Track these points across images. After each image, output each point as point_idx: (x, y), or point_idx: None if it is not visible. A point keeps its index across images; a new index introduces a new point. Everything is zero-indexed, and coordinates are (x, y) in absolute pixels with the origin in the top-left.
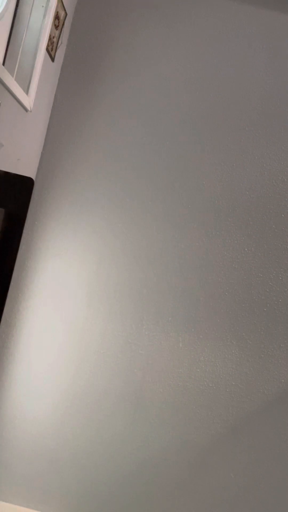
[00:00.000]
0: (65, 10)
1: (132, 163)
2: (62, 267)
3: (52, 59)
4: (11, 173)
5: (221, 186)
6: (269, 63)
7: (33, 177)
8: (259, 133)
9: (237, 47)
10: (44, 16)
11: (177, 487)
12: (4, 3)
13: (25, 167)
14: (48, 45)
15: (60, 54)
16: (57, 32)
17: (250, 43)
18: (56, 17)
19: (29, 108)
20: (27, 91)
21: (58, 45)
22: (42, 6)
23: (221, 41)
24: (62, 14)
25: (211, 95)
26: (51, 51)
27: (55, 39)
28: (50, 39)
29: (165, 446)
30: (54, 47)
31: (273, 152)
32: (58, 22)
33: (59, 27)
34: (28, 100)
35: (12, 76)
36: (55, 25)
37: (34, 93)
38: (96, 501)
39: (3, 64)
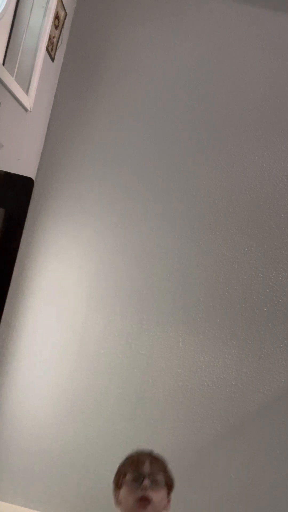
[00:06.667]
0: (65, 10)
1: (132, 163)
2: (62, 267)
3: (52, 59)
4: (11, 173)
5: (221, 186)
6: (270, 63)
7: (33, 177)
8: (259, 133)
9: (237, 47)
10: (44, 16)
11: (177, 487)
12: (4, 3)
13: (25, 167)
14: (48, 45)
15: (60, 54)
16: (57, 32)
17: (250, 43)
18: (56, 17)
19: (29, 108)
20: (27, 91)
21: (58, 45)
22: (42, 6)
23: (222, 41)
24: (62, 14)
25: (211, 95)
26: (51, 51)
27: (55, 39)
28: (50, 39)
29: (165, 445)
30: (54, 47)
31: (273, 152)
32: (58, 22)
33: (59, 27)
34: (28, 100)
35: (12, 76)
36: (55, 25)
37: (34, 93)
38: (96, 500)
39: (3, 64)
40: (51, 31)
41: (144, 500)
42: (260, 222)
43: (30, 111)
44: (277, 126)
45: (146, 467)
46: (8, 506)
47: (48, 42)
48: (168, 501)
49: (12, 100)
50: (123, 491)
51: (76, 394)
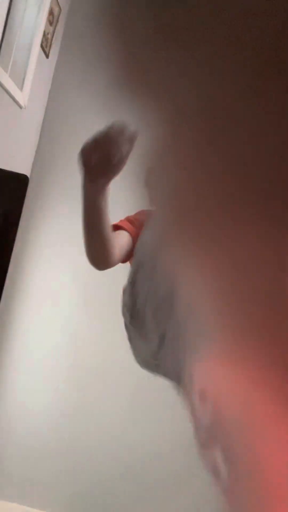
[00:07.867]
0: (59, 6)
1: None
2: (58, 266)
3: (47, 56)
4: (5, 170)
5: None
6: None
7: (28, 174)
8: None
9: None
10: (38, 12)
11: (176, 486)
12: None
13: (20, 164)
14: (42, 42)
15: (54, 50)
16: (51, 29)
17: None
18: (50, 13)
19: (23, 105)
20: (21, 87)
21: (53, 41)
22: (36, 3)
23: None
24: (56, 10)
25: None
26: (45, 47)
27: (49, 36)
28: (44, 35)
29: (165, 445)
30: (48, 44)
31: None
32: (52, 18)
33: (53, 24)
34: (22, 97)
35: (6, 73)
36: (49, 21)
37: (28, 90)
38: (95, 500)
39: None
40: (45, 27)
41: None
42: None
43: (25, 108)
44: None
45: None
46: (7, 505)
47: (42, 39)
48: None
49: (6, 96)
50: None
51: (74, 394)
